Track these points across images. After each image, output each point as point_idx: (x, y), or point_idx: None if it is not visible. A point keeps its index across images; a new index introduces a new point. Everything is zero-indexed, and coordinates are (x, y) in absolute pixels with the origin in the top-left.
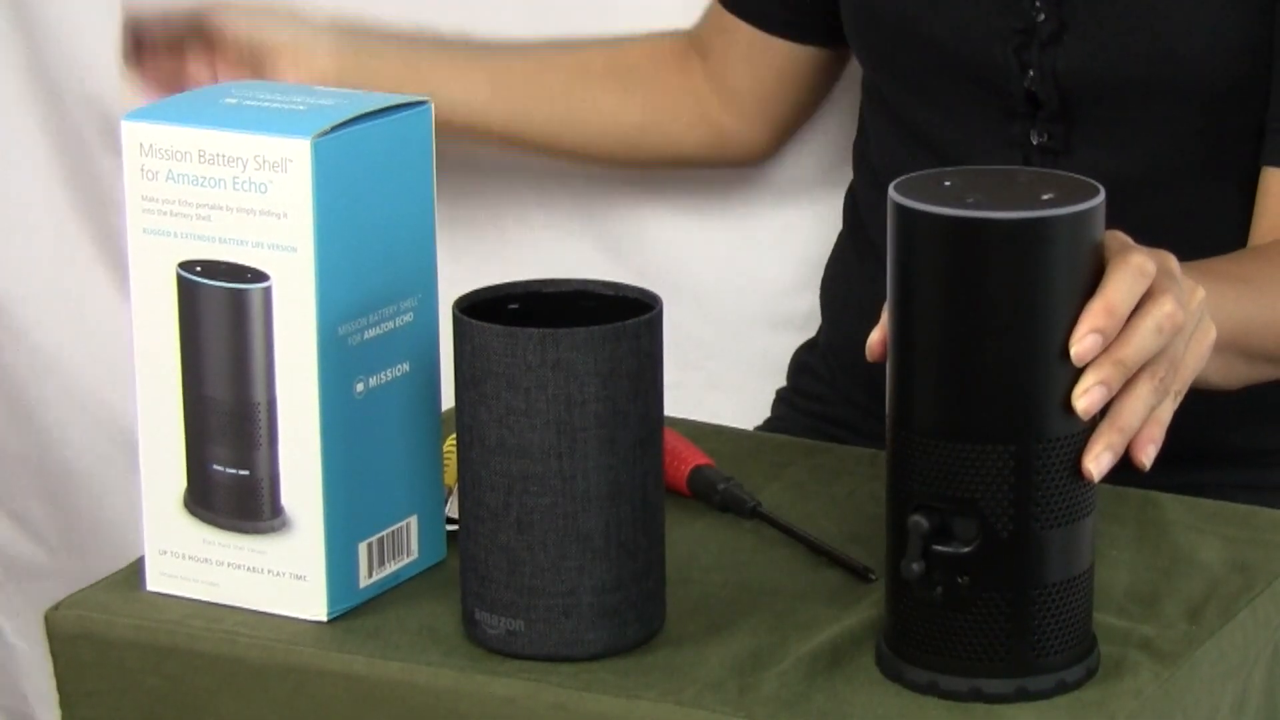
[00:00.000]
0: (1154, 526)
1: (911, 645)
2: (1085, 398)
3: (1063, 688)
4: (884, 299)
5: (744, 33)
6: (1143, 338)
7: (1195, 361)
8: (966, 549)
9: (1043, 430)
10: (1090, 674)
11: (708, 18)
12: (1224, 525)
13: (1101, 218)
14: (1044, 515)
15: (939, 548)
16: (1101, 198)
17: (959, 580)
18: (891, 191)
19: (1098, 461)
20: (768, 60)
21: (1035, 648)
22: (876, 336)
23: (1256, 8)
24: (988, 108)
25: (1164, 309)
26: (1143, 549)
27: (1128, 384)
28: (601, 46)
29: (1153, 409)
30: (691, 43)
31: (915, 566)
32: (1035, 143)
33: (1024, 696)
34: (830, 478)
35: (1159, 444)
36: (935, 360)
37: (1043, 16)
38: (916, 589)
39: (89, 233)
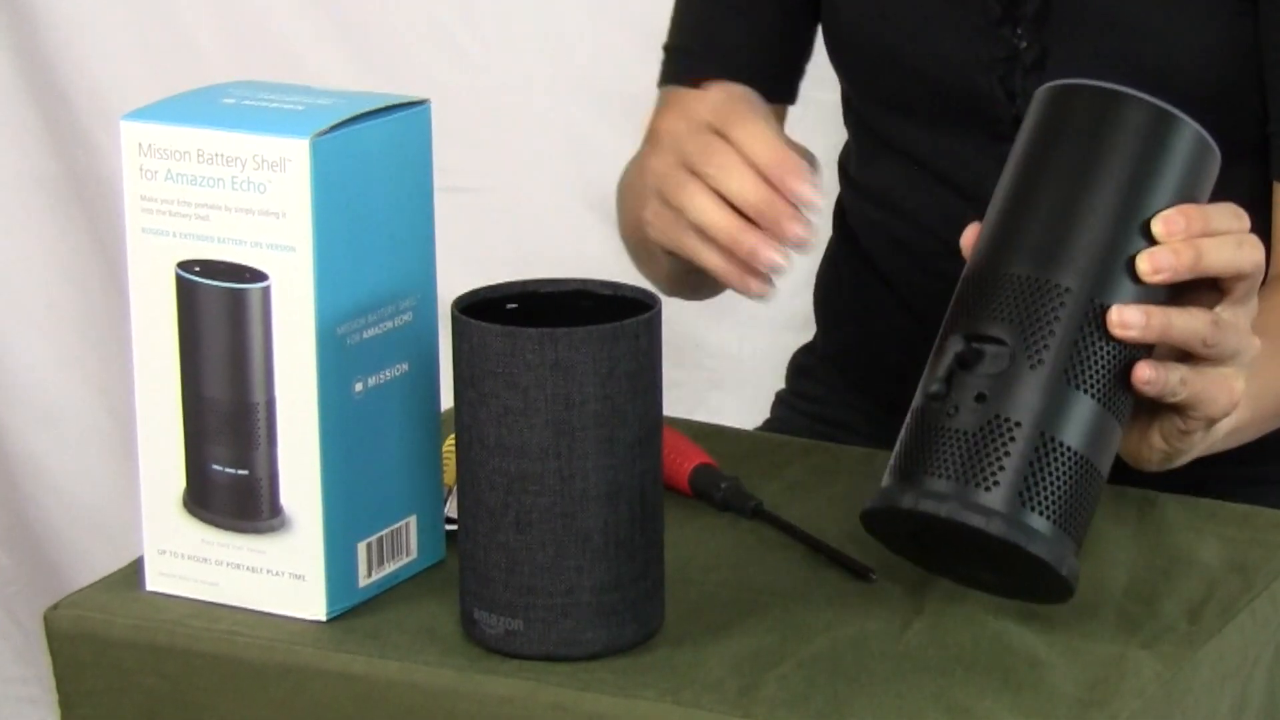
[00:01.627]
0: (1154, 526)
1: (912, 464)
2: (1152, 256)
3: (1056, 546)
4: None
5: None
6: (1223, 243)
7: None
8: (995, 372)
9: (1104, 290)
10: (1075, 575)
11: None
12: (1223, 525)
13: (1212, 168)
14: (1077, 371)
15: (967, 372)
16: (1218, 156)
17: (976, 399)
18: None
19: (1123, 313)
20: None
21: (1033, 494)
22: (971, 235)
23: (1233, 13)
24: (974, 130)
25: (1254, 255)
26: (1142, 549)
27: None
28: None
29: (1199, 337)
30: None
31: (937, 387)
32: None
33: (1008, 527)
34: (830, 478)
35: (1159, 379)
36: (1032, 202)
37: (1025, 43)
38: (930, 406)
39: (93, 227)
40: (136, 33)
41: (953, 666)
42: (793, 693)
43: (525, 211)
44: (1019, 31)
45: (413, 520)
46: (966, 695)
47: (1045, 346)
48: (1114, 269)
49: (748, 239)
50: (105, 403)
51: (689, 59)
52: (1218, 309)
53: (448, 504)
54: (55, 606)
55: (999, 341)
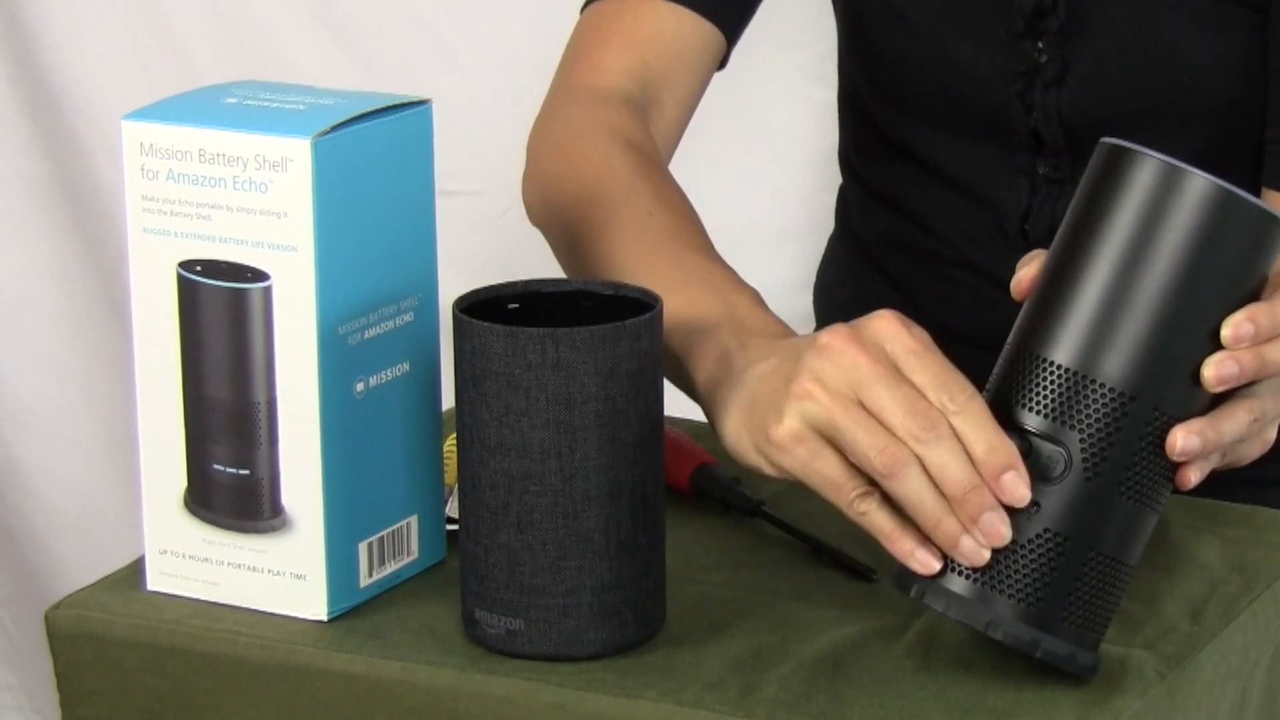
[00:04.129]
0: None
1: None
2: (1218, 366)
3: (1071, 662)
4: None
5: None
6: None
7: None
8: (1050, 478)
9: (1164, 397)
10: (1094, 672)
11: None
12: (1224, 525)
13: (1276, 242)
14: (1132, 483)
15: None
16: None
17: (1029, 509)
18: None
19: (1187, 440)
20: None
21: (1068, 607)
22: (1027, 275)
23: (1249, 25)
24: (990, 140)
25: None
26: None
27: (1233, 404)
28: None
29: (1243, 435)
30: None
31: None
32: (1041, 172)
33: (1034, 649)
34: None
35: (1203, 473)
36: (1097, 293)
37: (1045, 58)
38: None
39: (82, 231)
40: (127, 35)
41: (953, 666)
42: (793, 693)
43: (517, 215)
44: (1040, 45)
45: (414, 520)
46: (967, 695)
47: (1105, 459)
48: (1176, 375)
49: (952, 527)
50: (91, 408)
51: None
52: (1258, 388)
53: (448, 504)
54: (56, 606)
55: (1055, 442)
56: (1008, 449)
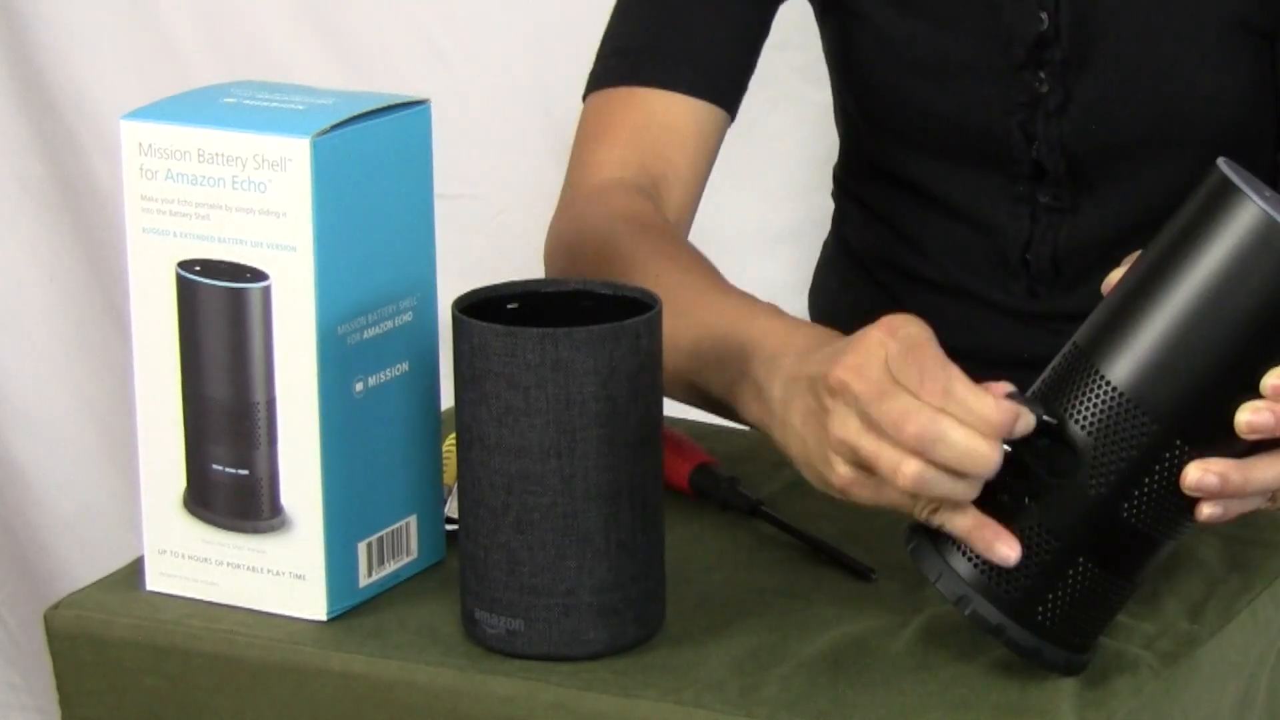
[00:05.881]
0: None
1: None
2: (1255, 414)
3: (1037, 655)
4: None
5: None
6: None
7: None
8: (1058, 476)
9: (1191, 434)
10: (1065, 669)
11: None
12: (1223, 525)
13: None
14: (1138, 507)
15: (1032, 461)
16: None
17: (1026, 500)
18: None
19: (1202, 477)
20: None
21: (1047, 604)
22: (1116, 276)
23: (1254, 54)
24: (990, 170)
25: None
26: None
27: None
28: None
29: (1275, 488)
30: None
31: (1005, 447)
32: (1042, 201)
33: (999, 634)
34: None
35: (1228, 514)
36: (1166, 327)
37: (1047, 88)
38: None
39: (79, 231)
40: (122, 36)
41: (953, 664)
42: (794, 693)
43: (514, 216)
44: (1042, 75)
45: (413, 520)
46: (967, 694)
47: (1113, 474)
48: (1209, 416)
49: (989, 532)
50: (91, 409)
51: (652, 59)
52: None
53: (448, 504)
54: (55, 606)
55: (1072, 448)
56: (1003, 407)
